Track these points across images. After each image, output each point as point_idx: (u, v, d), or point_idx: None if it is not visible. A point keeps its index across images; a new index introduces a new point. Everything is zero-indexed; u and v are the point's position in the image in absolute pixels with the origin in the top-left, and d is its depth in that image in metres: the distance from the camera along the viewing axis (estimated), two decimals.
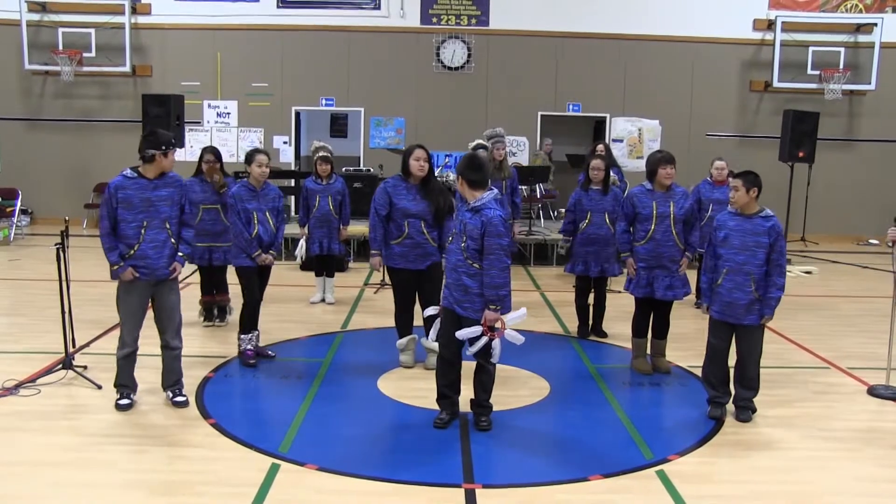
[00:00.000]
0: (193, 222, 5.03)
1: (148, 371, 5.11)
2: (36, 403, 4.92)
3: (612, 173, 6.92)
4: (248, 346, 5.83)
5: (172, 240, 4.80)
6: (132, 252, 4.67)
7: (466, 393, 4.82)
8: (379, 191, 5.64)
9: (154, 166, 4.72)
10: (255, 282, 5.80)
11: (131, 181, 4.69)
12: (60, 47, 12.28)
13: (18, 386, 5.15)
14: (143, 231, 4.68)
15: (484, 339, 4.46)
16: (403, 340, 5.83)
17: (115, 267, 4.67)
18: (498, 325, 4.45)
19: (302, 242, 7.78)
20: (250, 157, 5.80)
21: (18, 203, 11.84)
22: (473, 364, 4.71)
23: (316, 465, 4.13)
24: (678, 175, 5.82)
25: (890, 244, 5.42)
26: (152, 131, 4.84)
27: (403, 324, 5.79)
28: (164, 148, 4.70)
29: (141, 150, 4.70)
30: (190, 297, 7.71)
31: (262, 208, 5.76)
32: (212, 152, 6.70)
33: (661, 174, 5.63)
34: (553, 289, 8.92)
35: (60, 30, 12.34)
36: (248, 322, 5.83)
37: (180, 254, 4.87)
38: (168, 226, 4.78)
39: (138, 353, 4.91)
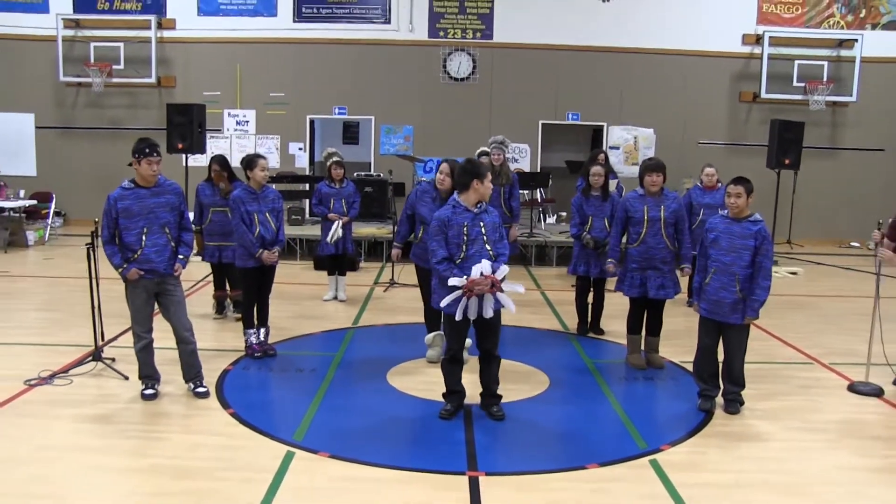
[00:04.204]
0: (191, 226, 5.00)
1: (170, 364, 5.12)
2: (68, 393, 4.95)
3: (610, 179, 6.91)
4: (253, 341, 5.84)
5: (172, 243, 4.79)
6: (135, 256, 4.68)
7: (471, 389, 4.82)
8: (412, 192, 5.91)
9: (137, 174, 4.70)
10: (255, 284, 5.76)
11: (129, 192, 4.68)
12: (92, 60, 12.34)
13: (52, 376, 5.19)
14: (143, 237, 4.68)
15: (463, 301, 4.40)
16: (431, 336, 5.79)
17: (121, 269, 4.69)
18: (479, 288, 4.38)
19: (336, 224, 7.47)
20: (252, 161, 5.67)
21: (52, 205, 11.91)
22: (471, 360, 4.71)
23: (328, 452, 4.14)
24: (671, 180, 5.79)
25: (872, 246, 5.38)
26: (138, 139, 4.73)
27: (431, 319, 5.76)
28: (136, 156, 4.64)
29: None
30: (206, 294, 7.75)
31: (263, 209, 5.69)
32: (217, 161, 6.74)
33: (647, 181, 5.63)
34: (553, 288, 8.91)
35: (92, 44, 12.39)
36: (248, 320, 5.83)
37: (181, 256, 4.85)
38: (167, 230, 4.76)
39: (160, 347, 4.93)
